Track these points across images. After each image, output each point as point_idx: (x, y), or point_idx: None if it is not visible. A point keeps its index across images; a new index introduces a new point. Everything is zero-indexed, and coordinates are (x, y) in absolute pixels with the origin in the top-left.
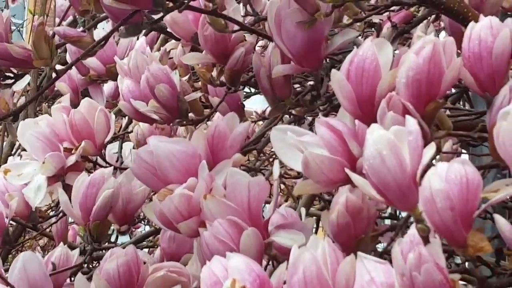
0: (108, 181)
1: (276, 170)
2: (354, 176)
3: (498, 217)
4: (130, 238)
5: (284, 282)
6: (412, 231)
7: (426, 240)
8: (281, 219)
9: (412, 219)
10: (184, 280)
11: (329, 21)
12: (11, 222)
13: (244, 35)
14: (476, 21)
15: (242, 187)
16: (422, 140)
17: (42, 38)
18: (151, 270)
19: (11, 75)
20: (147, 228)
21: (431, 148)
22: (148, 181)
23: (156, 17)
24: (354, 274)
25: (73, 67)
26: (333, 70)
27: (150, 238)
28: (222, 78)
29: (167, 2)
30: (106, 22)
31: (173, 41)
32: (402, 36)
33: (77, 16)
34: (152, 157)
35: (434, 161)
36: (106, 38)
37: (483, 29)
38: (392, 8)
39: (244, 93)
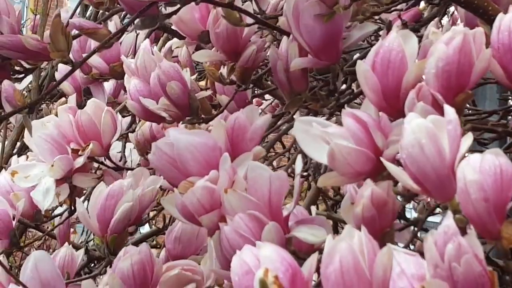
0: (127, 193)
1: (299, 164)
2: (390, 166)
3: None
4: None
5: (316, 272)
6: (447, 222)
7: (463, 231)
8: (292, 216)
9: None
10: (198, 279)
11: (348, 14)
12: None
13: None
14: (497, 15)
15: (263, 181)
16: (460, 130)
17: (59, 30)
18: (165, 268)
19: (21, 69)
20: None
21: (469, 137)
22: (168, 173)
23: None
24: (391, 266)
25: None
26: (359, 61)
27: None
28: (232, 77)
29: None
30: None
31: (175, 39)
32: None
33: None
34: (173, 149)
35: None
36: (122, 30)
37: None
38: (400, 7)
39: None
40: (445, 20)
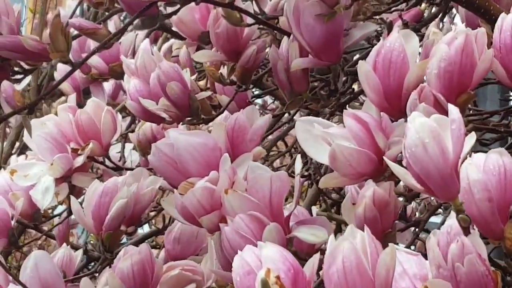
0: (121, 190)
1: (298, 165)
2: (394, 166)
3: None
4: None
5: (317, 272)
6: (449, 222)
7: (466, 231)
8: (293, 216)
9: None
10: (198, 279)
11: (348, 14)
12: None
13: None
14: (498, 15)
15: (264, 181)
16: (464, 129)
17: (59, 30)
18: (165, 268)
19: (20, 70)
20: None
21: (472, 137)
22: (168, 174)
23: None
24: (394, 266)
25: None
26: (360, 61)
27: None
28: (232, 77)
29: None
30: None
31: (174, 39)
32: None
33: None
34: (172, 150)
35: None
36: (122, 31)
37: None
38: (400, 7)
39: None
40: (446, 19)
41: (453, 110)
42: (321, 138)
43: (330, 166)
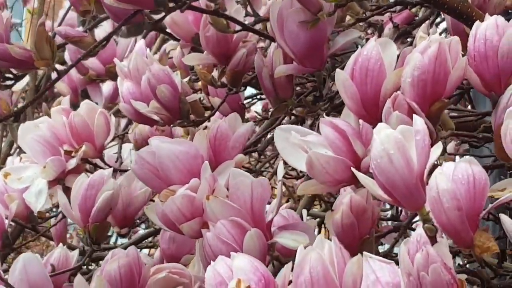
0: (107, 182)
1: (280, 170)
2: (361, 176)
3: (504, 217)
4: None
5: (289, 283)
6: (419, 231)
7: (433, 240)
8: (282, 220)
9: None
10: (186, 282)
11: (332, 21)
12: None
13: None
14: (481, 20)
15: (245, 187)
16: (429, 140)
17: (43, 38)
18: (153, 271)
19: (11, 76)
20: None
21: (438, 147)
22: (150, 182)
23: (157, 17)
24: (361, 274)
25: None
26: (338, 70)
27: (149, 239)
28: (223, 79)
29: (169, 2)
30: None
31: (172, 41)
32: (403, 37)
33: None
34: (154, 158)
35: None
36: (107, 39)
37: (488, 28)
38: (393, 9)
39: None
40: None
41: (418, 121)
42: (299, 146)
43: (308, 173)
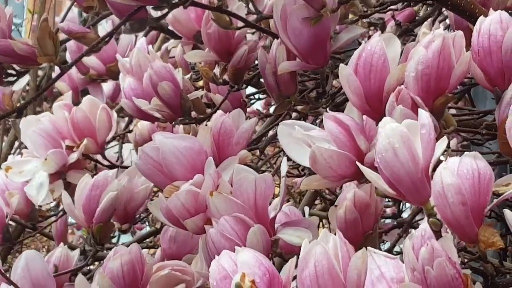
0: (111, 183)
1: (284, 167)
2: (366, 170)
3: (508, 212)
4: (132, 237)
5: (294, 277)
6: (423, 225)
7: (438, 235)
8: (284, 217)
9: (417, 217)
10: (188, 279)
11: (335, 17)
12: (10, 222)
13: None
14: (484, 16)
15: (249, 184)
16: (434, 134)
17: (46, 34)
18: (155, 268)
19: (13, 72)
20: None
21: (443, 141)
22: (154, 178)
23: (158, 14)
24: (365, 269)
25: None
26: (341, 65)
27: (150, 238)
28: (225, 77)
29: None
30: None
31: (173, 40)
32: (405, 35)
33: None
34: (158, 153)
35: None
36: (111, 34)
37: (492, 23)
38: (395, 6)
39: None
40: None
41: (423, 115)
42: (302, 141)
43: (311, 168)
